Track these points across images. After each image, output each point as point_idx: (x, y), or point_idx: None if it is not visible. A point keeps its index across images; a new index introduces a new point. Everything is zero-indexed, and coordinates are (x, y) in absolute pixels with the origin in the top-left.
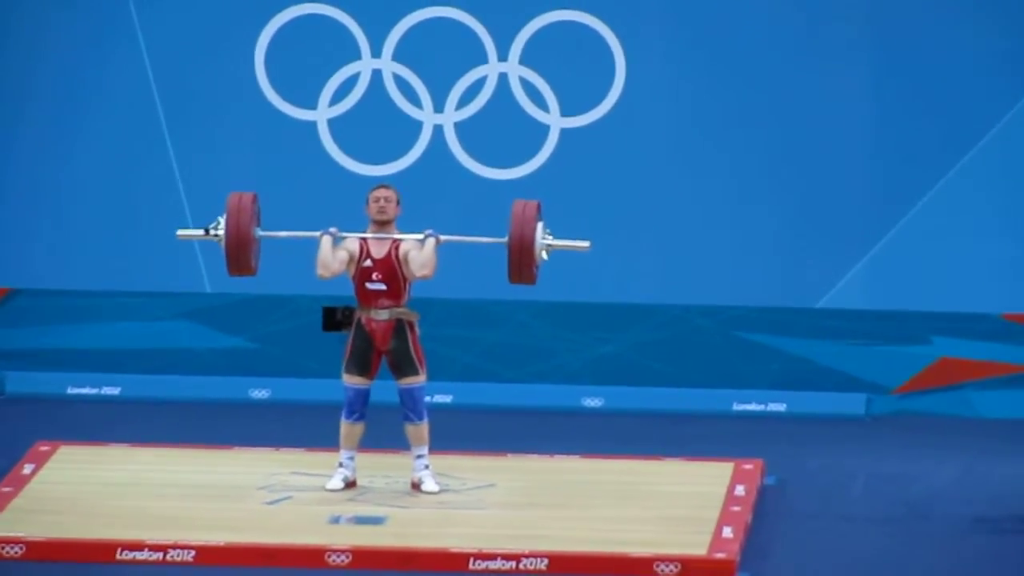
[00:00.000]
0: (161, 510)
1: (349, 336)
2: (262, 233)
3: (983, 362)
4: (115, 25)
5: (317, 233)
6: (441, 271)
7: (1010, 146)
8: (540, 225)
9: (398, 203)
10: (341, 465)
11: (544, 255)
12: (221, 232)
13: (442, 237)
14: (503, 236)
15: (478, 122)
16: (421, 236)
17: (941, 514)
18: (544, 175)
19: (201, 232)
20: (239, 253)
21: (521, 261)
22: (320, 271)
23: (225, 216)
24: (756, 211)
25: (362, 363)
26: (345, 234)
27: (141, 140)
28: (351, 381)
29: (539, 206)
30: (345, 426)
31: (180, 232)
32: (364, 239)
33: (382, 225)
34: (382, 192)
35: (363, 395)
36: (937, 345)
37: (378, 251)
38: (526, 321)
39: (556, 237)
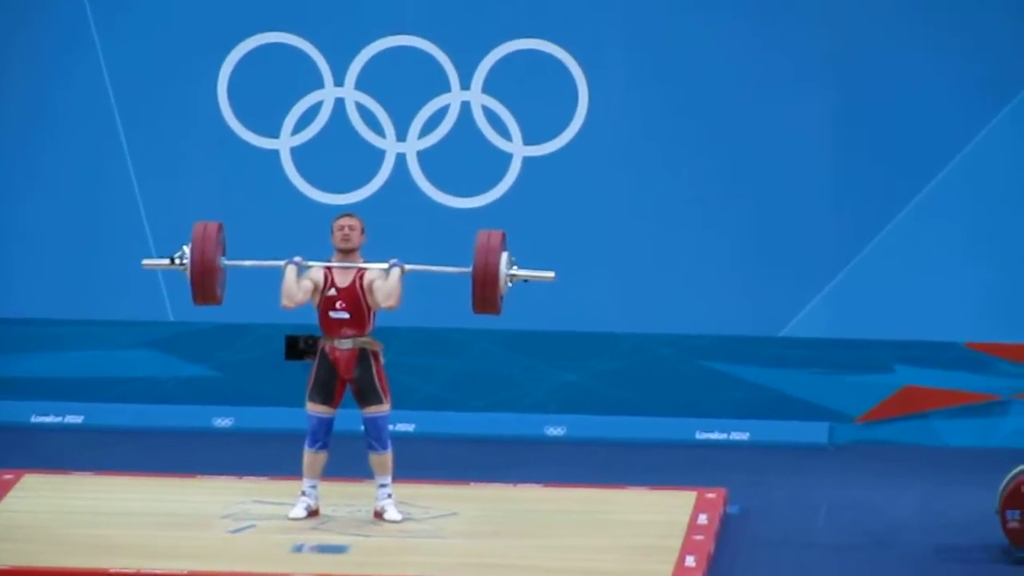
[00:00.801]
0: (125, 538)
1: (313, 365)
2: (227, 262)
3: (946, 390)
4: (78, 53)
5: (281, 262)
6: (405, 299)
7: (972, 175)
8: (505, 255)
9: (362, 232)
10: (304, 494)
11: (509, 284)
12: (187, 261)
13: (407, 267)
14: (467, 264)
15: (441, 151)
16: (386, 265)
17: (904, 543)
18: (507, 204)
19: (167, 261)
20: (204, 282)
21: (485, 292)
22: (284, 301)
23: (190, 245)
24: (719, 239)
25: (326, 392)
26: (310, 263)
27: (104, 168)
28: (314, 410)
29: (504, 236)
30: (308, 455)
31: (145, 262)
32: (328, 268)
33: (346, 254)
34: (346, 220)
35: (326, 424)
36: (900, 374)
37: (342, 280)
38: (489, 350)
39: (520, 267)
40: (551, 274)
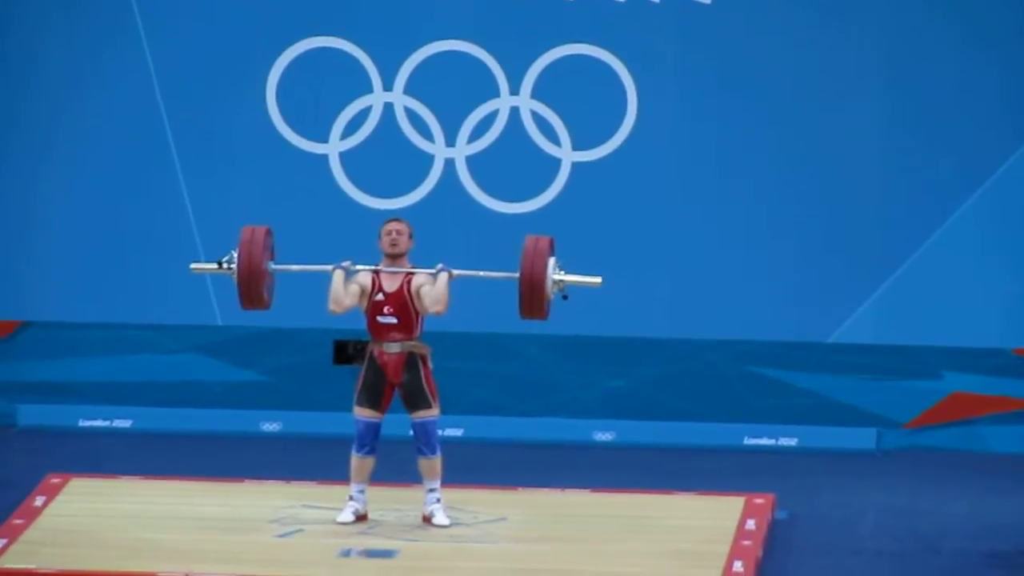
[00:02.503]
0: (172, 543)
1: (361, 369)
2: (275, 267)
3: (994, 397)
4: (127, 59)
5: (329, 267)
6: (453, 304)
7: (1022, 182)
8: (552, 261)
9: (410, 236)
10: (352, 498)
11: (556, 289)
12: (234, 266)
13: (455, 272)
14: (515, 270)
15: (490, 156)
16: (434, 270)
17: (952, 549)
18: (555, 209)
19: (214, 266)
20: (251, 286)
21: (532, 297)
22: (332, 306)
23: (238, 249)
24: (768, 245)
25: (374, 396)
26: (358, 267)
27: (153, 173)
28: (362, 414)
29: (552, 242)
30: (355, 459)
31: (193, 265)
32: (376, 272)
33: (394, 259)
34: (394, 225)
35: (374, 428)
36: (948, 380)
37: (390, 285)
38: (537, 355)
39: (568, 272)
40: (598, 279)
